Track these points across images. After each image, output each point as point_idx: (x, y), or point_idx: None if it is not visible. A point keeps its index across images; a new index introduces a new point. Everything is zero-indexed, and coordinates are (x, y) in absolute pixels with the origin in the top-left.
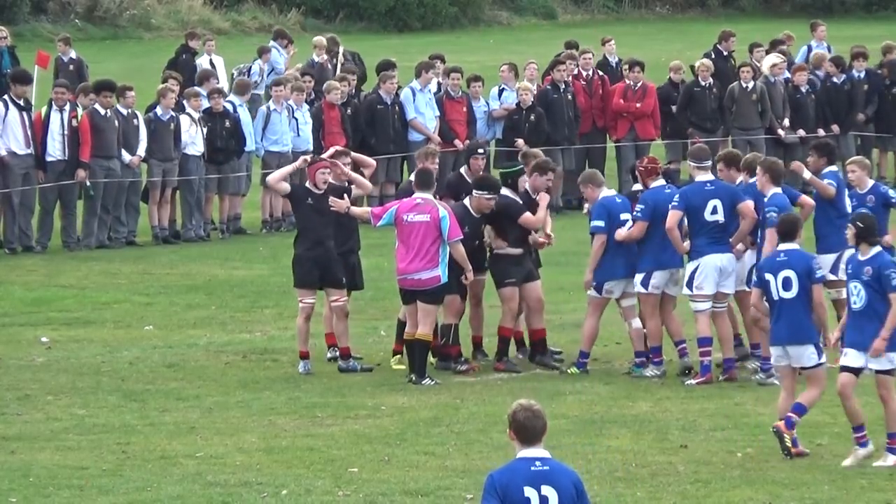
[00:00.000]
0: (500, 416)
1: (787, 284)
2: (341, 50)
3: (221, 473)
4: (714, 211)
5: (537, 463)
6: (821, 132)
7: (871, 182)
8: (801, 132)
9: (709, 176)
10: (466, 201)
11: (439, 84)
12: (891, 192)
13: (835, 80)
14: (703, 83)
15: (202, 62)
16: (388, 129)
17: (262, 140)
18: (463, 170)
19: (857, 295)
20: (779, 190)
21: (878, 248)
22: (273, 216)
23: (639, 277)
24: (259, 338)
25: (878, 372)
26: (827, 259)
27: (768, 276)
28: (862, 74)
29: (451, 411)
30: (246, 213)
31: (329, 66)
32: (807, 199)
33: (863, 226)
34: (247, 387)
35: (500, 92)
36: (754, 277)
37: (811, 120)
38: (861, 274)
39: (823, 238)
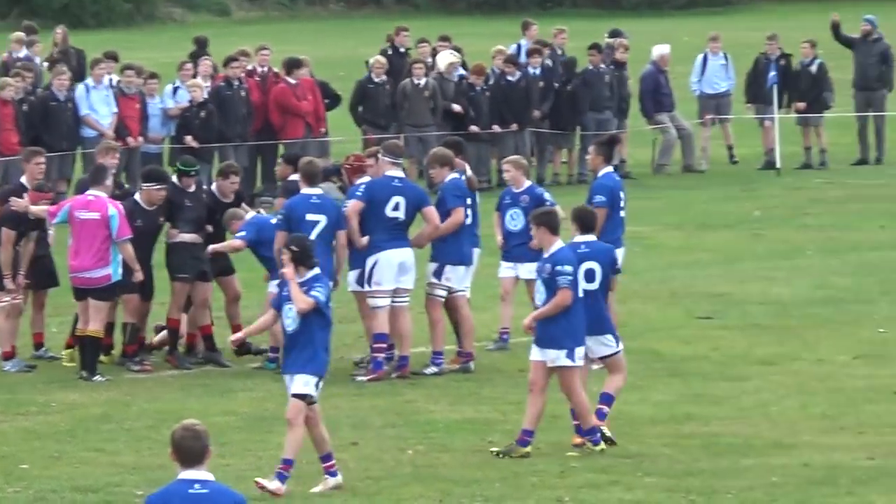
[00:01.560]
0: (171, 413)
1: (589, 276)
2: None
3: None
4: (396, 207)
5: (196, 486)
6: (496, 128)
7: (527, 182)
8: (475, 128)
9: (399, 173)
10: (136, 196)
11: (112, 81)
12: (546, 195)
13: (509, 77)
14: (376, 80)
15: None
16: (62, 125)
17: None
18: (214, 187)
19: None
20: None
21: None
22: None
23: (352, 275)
24: None
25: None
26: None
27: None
28: (538, 71)
29: (121, 408)
30: None
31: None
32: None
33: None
34: None
35: (175, 90)
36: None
37: (486, 116)
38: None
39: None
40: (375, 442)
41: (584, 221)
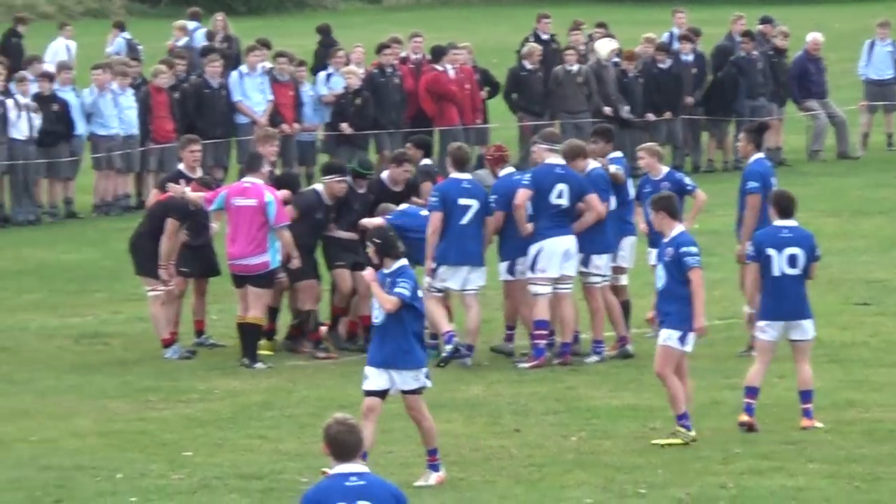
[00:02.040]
0: (333, 400)
1: (792, 261)
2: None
3: (55, 457)
4: (560, 195)
5: (353, 478)
6: (650, 116)
7: (665, 169)
8: (631, 116)
9: (559, 160)
10: (319, 187)
11: (265, 68)
12: (686, 179)
13: (660, 64)
14: (529, 67)
15: (57, 47)
16: (215, 113)
17: (88, 124)
18: (385, 175)
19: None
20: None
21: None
22: (104, 200)
23: (504, 265)
24: (90, 322)
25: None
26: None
27: (771, 252)
28: (690, 58)
29: (283, 395)
30: (77, 196)
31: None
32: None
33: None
34: (78, 371)
35: (329, 77)
36: (751, 254)
37: (639, 104)
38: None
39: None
40: (538, 429)
41: (783, 205)
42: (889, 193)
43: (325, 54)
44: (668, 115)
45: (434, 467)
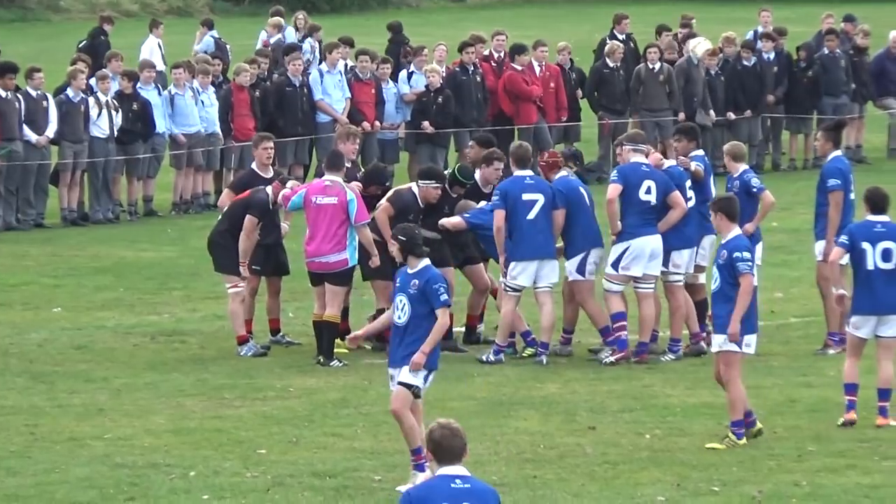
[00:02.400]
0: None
1: (886, 255)
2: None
3: (130, 455)
4: (648, 191)
5: (457, 481)
6: (731, 115)
7: (742, 167)
8: (713, 115)
9: (644, 159)
10: (415, 188)
11: (347, 66)
12: (754, 181)
13: (745, 62)
14: (611, 65)
15: (150, 46)
16: (297, 111)
17: (169, 122)
18: (477, 176)
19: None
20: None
21: (736, 231)
22: (183, 198)
23: (573, 263)
24: (167, 319)
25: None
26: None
27: (865, 246)
28: (771, 56)
29: (358, 393)
30: (156, 195)
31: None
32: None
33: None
34: (155, 368)
35: (410, 75)
36: (844, 242)
37: (721, 102)
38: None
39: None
40: (613, 426)
41: (875, 201)
42: None
43: (396, 52)
44: (748, 113)
45: (420, 468)
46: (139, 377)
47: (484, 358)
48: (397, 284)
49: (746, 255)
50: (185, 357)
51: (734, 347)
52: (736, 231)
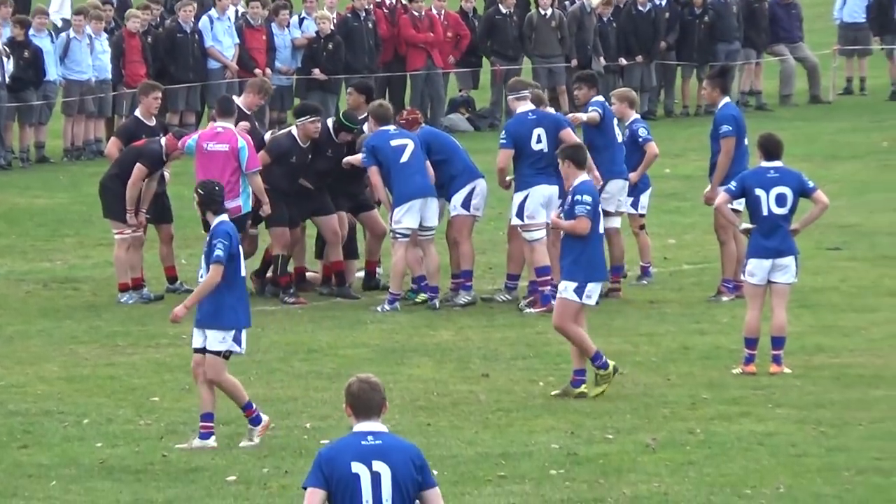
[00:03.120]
0: (301, 345)
1: (780, 200)
2: None
3: (23, 402)
4: (539, 140)
5: (369, 438)
6: (623, 61)
7: (633, 116)
8: (603, 61)
9: (529, 106)
10: (293, 130)
11: (238, 12)
12: (640, 131)
13: (640, 7)
14: (504, 11)
15: None
16: (188, 57)
17: (61, 69)
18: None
19: None
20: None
21: (583, 177)
22: (74, 145)
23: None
24: (59, 266)
25: None
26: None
27: (759, 192)
28: (662, 2)
29: (252, 340)
30: (48, 141)
31: None
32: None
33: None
34: (47, 316)
35: (301, 21)
36: (730, 188)
37: (613, 48)
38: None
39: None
40: (506, 374)
41: (768, 148)
42: (862, 138)
43: None
44: (639, 59)
45: (205, 436)
46: (32, 324)
47: (379, 309)
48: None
49: (587, 198)
50: (78, 304)
51: (574, 297)
52: (583, 177)
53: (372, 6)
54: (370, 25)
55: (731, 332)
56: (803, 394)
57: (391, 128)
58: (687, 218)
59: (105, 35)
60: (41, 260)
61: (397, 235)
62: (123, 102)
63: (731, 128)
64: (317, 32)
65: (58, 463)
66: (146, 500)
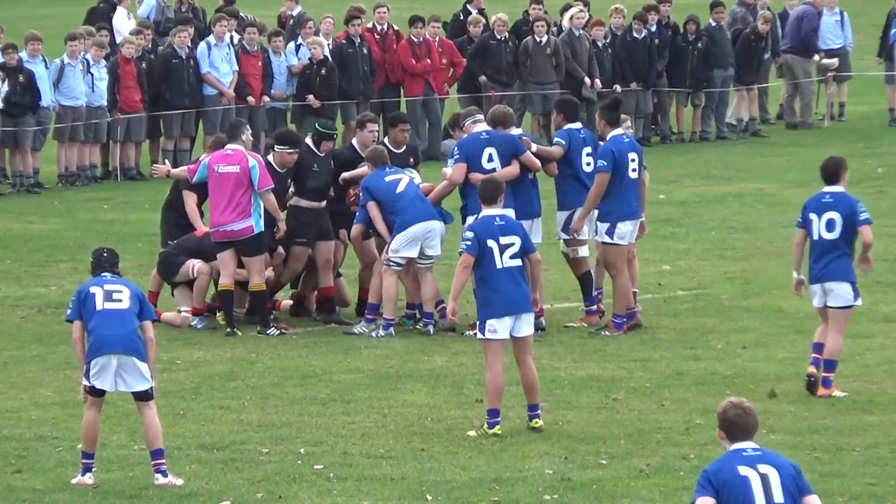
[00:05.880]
0: (296, 371)
1: (830, 226)
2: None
3: (17, 427)
4: (490, 159)
5: (749, 450)
6: (617, 88)
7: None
8: (599, 84)
9: (483, 126)
10: (270, 157)
11: (234, 38)
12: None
13: (635, 34)
14: (498, 37)
15: (119, 17)
16: (183, 83)
17: (55, 95)
18: (354, 141)
19: None
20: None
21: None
22: (69, 171)
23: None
24: (54, 292)
25: None
26: (560, 216)
27: (812, 216)
28: (653, 28)
29: (246, 365)
30: (41, 167)
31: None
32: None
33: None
34: (42, 341)
35: (298, 48)
36: (800, 221)
37: (608, 74)
38: None
39: (559, 194)
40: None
41: (823, 172)
42: (856, 164)
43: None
44: (633, 86)
45: (163, 472)
46: (26, 350)
47: (374, 334)
48: None
49: (469, 234)
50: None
51: (479, 335)
52: (485, 212)
53: (363, 32)
54: (365, 51)
55: (725, 358)
56: (798, 419)
57: (386, 168)
58: (681, 244)
59: (104, 62)
60: (36, 285)
61: (391, 264)
62: (118, 128)
63: (605, 163)
64: (310, 58)
65: (52, 488)
66: None
